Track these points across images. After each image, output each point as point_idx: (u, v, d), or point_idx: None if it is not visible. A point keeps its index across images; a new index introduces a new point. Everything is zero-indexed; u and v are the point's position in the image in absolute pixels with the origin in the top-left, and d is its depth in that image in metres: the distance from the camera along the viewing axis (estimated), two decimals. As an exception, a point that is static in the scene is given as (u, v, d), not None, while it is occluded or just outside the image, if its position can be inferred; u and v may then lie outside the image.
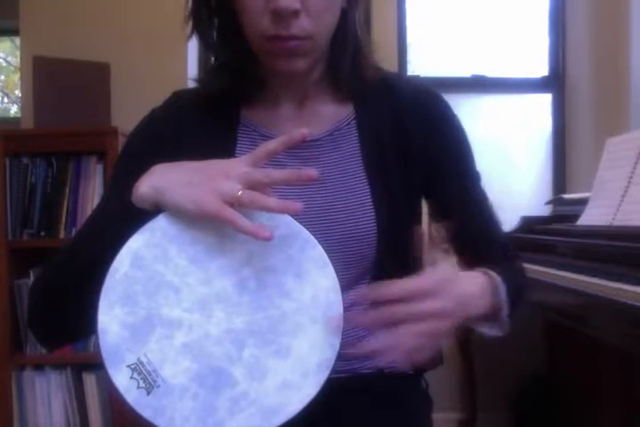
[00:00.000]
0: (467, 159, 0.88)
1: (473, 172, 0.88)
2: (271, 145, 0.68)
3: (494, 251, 0.86)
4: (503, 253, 0.88)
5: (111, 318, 0.64)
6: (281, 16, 0.71)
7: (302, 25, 0.72)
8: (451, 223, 0.76)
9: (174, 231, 0.66)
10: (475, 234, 0.86)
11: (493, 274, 0.76)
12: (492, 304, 0.74)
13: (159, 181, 0.67)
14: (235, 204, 0.63)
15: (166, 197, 0.66)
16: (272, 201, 0.63)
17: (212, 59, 0.85)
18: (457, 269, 0.71)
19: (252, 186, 0.64)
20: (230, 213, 0.63)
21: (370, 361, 0.84)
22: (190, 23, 0.82)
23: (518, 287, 0.82)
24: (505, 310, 0.76)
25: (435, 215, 0.88)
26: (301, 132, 0.67)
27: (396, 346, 0.61)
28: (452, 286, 0.65)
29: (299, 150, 0.83)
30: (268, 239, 0.62)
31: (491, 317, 0.75)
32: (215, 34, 0.82)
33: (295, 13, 0.71)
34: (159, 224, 0.67)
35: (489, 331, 0.78)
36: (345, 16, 0.79)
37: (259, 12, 0.72)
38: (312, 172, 0.65)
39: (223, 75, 0.82)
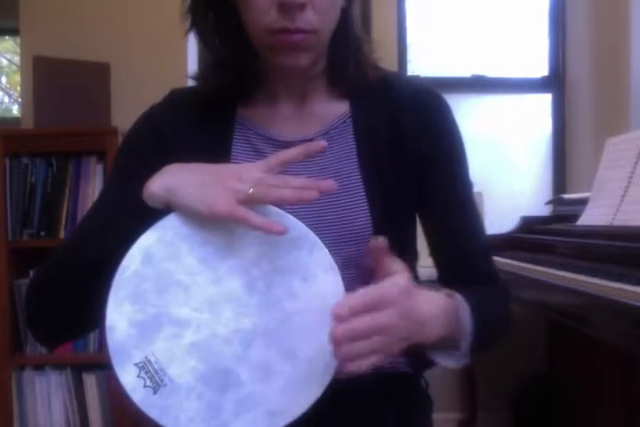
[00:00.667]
0: (459, 166, 0.85)
1: (464, 179, 0.85)
2: (288, 154, 0.68)
3: (476, 264, 0.83)
4: (486, 269, 0.84)
5: (120, 314, 0.64)
6: (288, 8, 0.71)
7: (308, 18, 0.72)
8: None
9: (186, 230, 0.66)
10: (457, 243, 0.83)
11: (459, 299, 0.72)
12: (451, 330, 0.68)
13: (171, 181, 0.67)
14: (247, 201, 0.64)
15: (177, 197, 0.66)
16: (286, 191, 0.64)
17: (211, 56, 0.85)
18: (413, 285, 0.64)
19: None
20: (242, 211, 0.63)
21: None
22: (188, 20, 0.82)
23: (493, 316, 0.78)
24: (466, 340, 0.71)
25: (421, 221, 0.86)
26: (321, 144, 0.68)
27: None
28: (404, 300, 0.61)
29: None
30: (281, 233, 0.63)
31: (448, 344, 0.71)
32: (214, 31, 0.81)
33: (302, 6, 0.71)
34: (171, 223, 0.67)
35: (444, 361, 0.73)
36: (345, 15, 0.79)
37: (264, 6, 0.72)
38: (330, 183, 0.66)
39: (222, 72, 0.82)
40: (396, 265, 0.66)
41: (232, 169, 0.68)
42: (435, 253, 0.86)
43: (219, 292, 0.65)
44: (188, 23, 0.82)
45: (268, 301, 0.66)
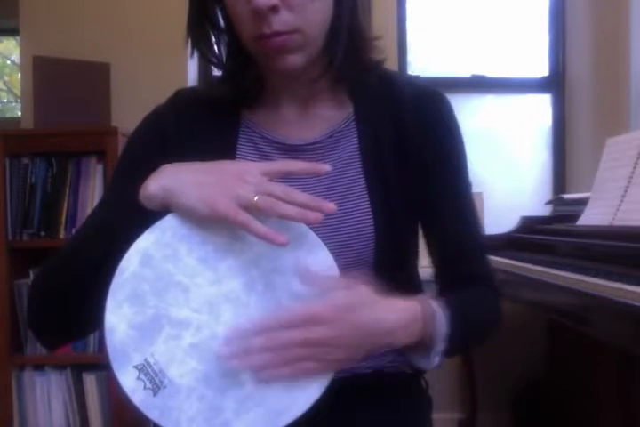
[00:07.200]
0: (459, 166, 0.85)
1: (463, 179, 0.86)
2: (292, 167, 0.69)
3: (471, 265, 0.84)
4: (481, 270, 0.85)
5: (119, 317, 0.64)
6: (261, 15, 0.70)
7: (285, 20, 0.71)
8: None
9: (185, 231, 0.66)
10: (453, 243, 0.83)
11: (432, 305, 0.72)
12: (423, 334, 0.70)
13: (169, 181, 0.67)
14: (250, 208, 0.63)
15: (177, 197, 0.66)
16: (291, 209, 0.64)
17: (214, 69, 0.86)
18: (373, 295, 0.66)
19: (267, 195, 0.65)
20: (245, 216, 0.63)
21: (370, 361, 0.84)
22: (190, 40, 0.81)
23: (477, 317, 0.79)
24: (438, 345, 0.71)
25: (420, 220, 0.86)
26: (325, 168, 0.69)
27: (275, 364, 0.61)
28: (353, 314, 0.63)
29: (299, 153, 0.82)
30: (283, 245, 0.63)
31: (423, 347, 0.72)
32: (221, 47, 0.82)
33: (274, 9, 0.70)
34: (169, 223, 0.66)
35: (418, 362, 0.75)
36: (339, 8, 0.76)
37: (244, 16, 0.72)
38: (332, 205, 0.66)
39: (226, 82, 0.83)
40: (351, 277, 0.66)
41: (233, 169, 0.67)
42: (431, 251, 0.86)
43: (218, 292, 0.65)
44: (189, 43, 0.81)
45: (267, 300, 0.65)
